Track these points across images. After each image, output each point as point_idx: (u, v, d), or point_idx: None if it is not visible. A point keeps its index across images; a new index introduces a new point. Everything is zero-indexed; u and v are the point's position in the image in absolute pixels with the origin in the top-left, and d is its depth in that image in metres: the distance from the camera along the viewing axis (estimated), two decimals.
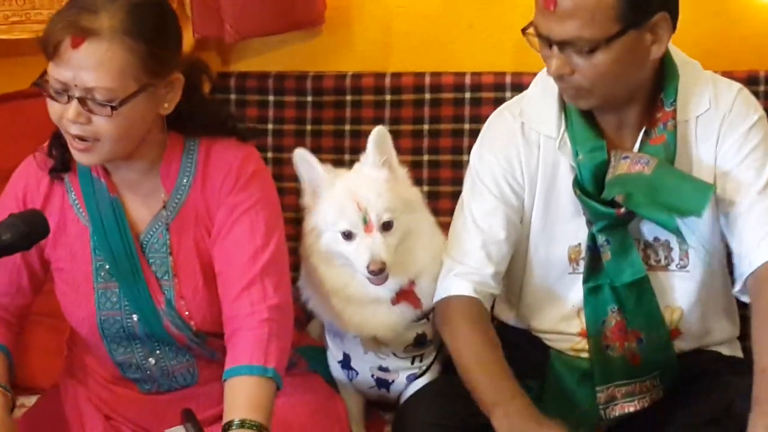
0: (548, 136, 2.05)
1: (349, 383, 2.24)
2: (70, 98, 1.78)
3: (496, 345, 2.01)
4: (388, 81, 2.62)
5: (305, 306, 2.23)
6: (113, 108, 1.77)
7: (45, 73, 1.81)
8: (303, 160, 2.12)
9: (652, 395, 2.07)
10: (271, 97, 2.70)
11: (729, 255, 2.07)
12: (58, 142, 1.94)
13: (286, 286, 1.95)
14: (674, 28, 1.92)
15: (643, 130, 1.99)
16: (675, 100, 1.98)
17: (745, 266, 1.95)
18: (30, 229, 1.70)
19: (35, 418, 2.11)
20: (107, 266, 1.96)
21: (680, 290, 2.07)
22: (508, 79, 2.56)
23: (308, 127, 2.68)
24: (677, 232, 1.95)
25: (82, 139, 1.81)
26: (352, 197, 2.06)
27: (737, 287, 2.00)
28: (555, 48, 1.89)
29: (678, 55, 2.03)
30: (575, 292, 2.10)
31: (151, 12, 1.83)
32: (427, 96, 2.61)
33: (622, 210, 1.95)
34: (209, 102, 2.04)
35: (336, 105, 2.66)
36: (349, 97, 2.65)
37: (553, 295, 2.13)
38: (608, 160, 1.99)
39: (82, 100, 1.77)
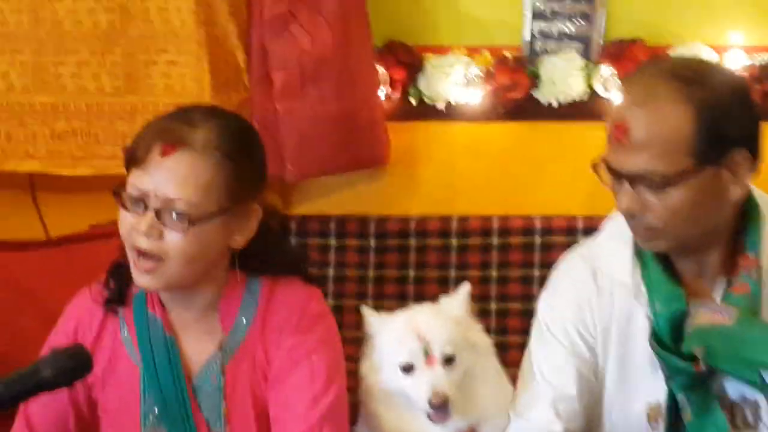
0: (622, 283, 1.98)
1: None
2: (146, 209, 1.79)
3: None
4: (454, 225, 2.63)
5: None
6: (191, 223, 1.77)
7: (124, 183, 1.82)
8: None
9: None
10: (333, 241, 2.71)
11: None
12: (117, 272, 1.93)
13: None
14: (756, 167, 1.87)
15: (725, 279, 1.92)
16: (758, 245, 1.91)
17: None
18: (74, 365, 1.68)
19: None
20: (156, 410, 1.91)
21: None
22: (580, 224, 2.56)
23: (371, 273, 2.68)
24: (764, 389, 1.88)
25: (148, 257, 1.81)
26: (413, 328, 2.03)
27: None
28: (626, 183, 1.85)
29: (762, 196, 1.97)
30: None
31: (244, 135, 1.87)
32: (495, 241, 2.61)
33: (702, 366, 1.86)
34: (285, 242, 2.08)
35: (400, 249, 2.67)
36: (413, 241, 2.66)
37: None
38: (687, 310, 1.91)
39: (158, 213, 1.77)
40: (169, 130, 1.79)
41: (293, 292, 1.95)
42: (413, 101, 2.67)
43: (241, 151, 1.83)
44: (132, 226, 1.80)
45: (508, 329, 2.58)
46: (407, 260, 2.66)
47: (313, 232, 2.73)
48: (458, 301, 2.10)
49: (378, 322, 2.10)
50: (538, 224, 2.59)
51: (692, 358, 1.88)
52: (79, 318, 1.97)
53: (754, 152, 1.85)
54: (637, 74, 1.90)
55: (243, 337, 1.92)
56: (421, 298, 2.27)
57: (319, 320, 1.93)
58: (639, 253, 1.97)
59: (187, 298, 1.91)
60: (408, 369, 2.01)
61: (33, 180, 2.81)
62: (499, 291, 2.60)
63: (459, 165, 2.71)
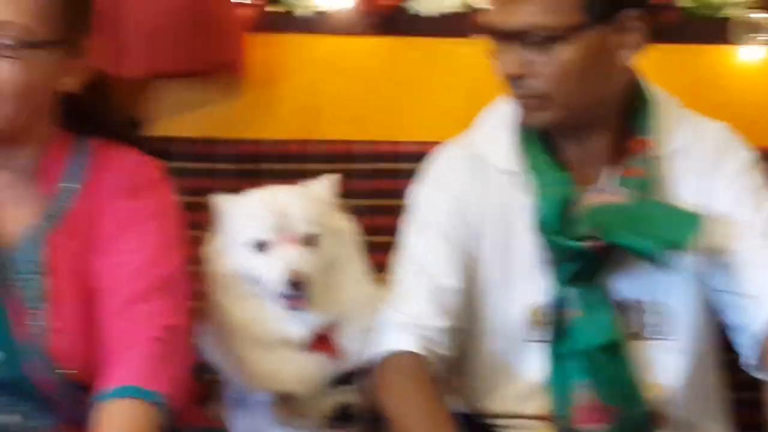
0: (504, 170, 1.93)
1: None
2: None
3: (448, 411, 1.81)
4: (314, 150, 2.51)
5: (205, 376, 2.02)
6: (21, 47, 1.65)
7: None
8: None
9: None
10: (172, 164, 2.40)
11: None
12: None
13: (185, 312, 1.77)
14: (646, 34, 1.86)
15: (613, 163, 1.90)
16: (648, 128, 1.90)
17: (754, 319, 1.81)
18: None
19: None
20: None
21: (661, 363, 1.91)
22: None
23: None
24: (665, 265, 1.81)
25: None
26: (269, 203, 1.91)
27: (747, 355, 1.85)
28: (510, 43, 1.81)
29: (654, 88, 1.97)
30: (535, 364, 1.92)
31: None
32: (360, 166, 2.48)
33: (597, 243, 1.82)
34: (113, 101, 1.93)
35: (251, 174, 2.46)
36: (265, 167, 2.50)
37: (507, 370, 1.95)
38: (575, 195, 1.88)
39: None
40: None
41: (127, 157, 1.85)
42: (275, 9, 2.53)
43: None
44: None
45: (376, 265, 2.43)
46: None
47: (155, 154, 2.47)
48: (324, 186, 1.98)
49: (227, 201, 1.96)
50: (406, 149, 2.46)
51: (584, 241, 1.84)
52: None
53: (645, 17, 1.85)
54: None
55: (68, 204, 1.79)
56: None
57: (157, 187, 1.84)
58: (522, 140, 1.94)
59: (3, 155, 1.76)
60: (262, 246, 1.89)
61: None
62: (365, 223, 2.39)
63: (322, 84, 2.58)
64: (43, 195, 1.78)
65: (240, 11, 2.49)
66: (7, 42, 1.66)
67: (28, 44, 1.66)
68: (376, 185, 2.48)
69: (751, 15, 2.44)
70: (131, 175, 1.82)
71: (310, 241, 1.88)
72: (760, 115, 2.47)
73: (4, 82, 1.66)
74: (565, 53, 1.79)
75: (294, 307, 1.86)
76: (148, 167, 1.86)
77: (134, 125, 1.92)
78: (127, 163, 1.83)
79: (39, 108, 1.75)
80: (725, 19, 2.46)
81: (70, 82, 1.76)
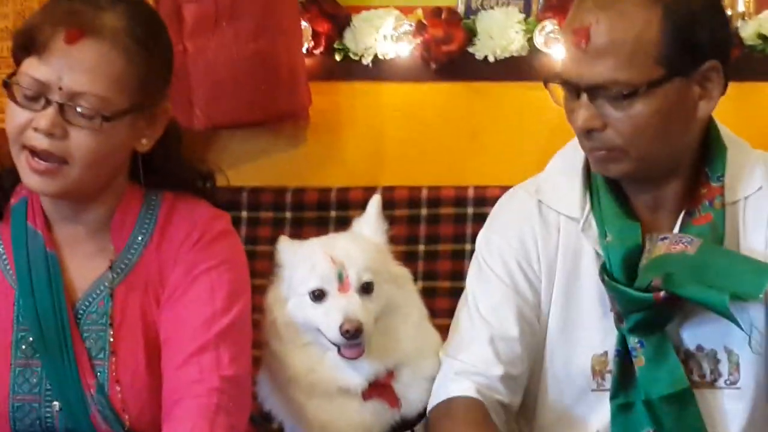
0: (570, 217, 1.90)
1: None
2: (47, 104, 1.65)
3: None
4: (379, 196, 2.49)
5: (266, 425, 2.02)
6: (105, 120, 1.65)
7: (14, 73, 1.69)
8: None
9: None
10: (244, 214, 2.57)
11: None
12: None
13: (246, 361, 1.78)
14: (725, 86, 1.81)
15: (684, 211, 1.85)
16: (723, 175, 1.85)
17: None
18: None
19: None
20: (31, 338, 1.75)
21: (730, 411, 1.86)
22: None
23: None
24: (731, 317, 1.76)
25: (47, 158, 1.66)
26: (327, 252, 1.89)
27: None
28: (584, 96, 1.77)
29: (724, 130, 1.92)
30: (599, 413, 1.88)
31: (153, 21, 1.77)
32: (424, 212, 2.50)
33: (662, 294, 1.77)
34: (186, 155, 1.91)
35: (318, 223, 2.52)
36: (333, 214, 2.53)
37: (571, 419, 1.91)
38: (643, 244, 1.84)
39: (62, 108, 1.64)
40: (74, 13, 1.67)
41: (197, 210, 1.84)
42: (338, 57, 2.58)
43: (152, 38, 1.74)
44: (24, 125, 1.67)
45: (436, 312, 2.41)
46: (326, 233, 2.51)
47: (224, 205, 2.55)
48: (372, 219, 1.98)
49: (289, 248, 1.97)
50: (470, 194, 2.48)
51: (649, 291, 1.80)
52: None
53: (725, 65, 1.80)
54: None
55: (137, 257, 1.80)
56: None
57: (223, 238, 1.83)
58: (590, 187, 1.91)
59: (78, 210, 1.78)
60: (319, 296, 1.88)
61: None
62: (426, 267, 2.47)
63: (386, 130, 2.62)
64: (114, 247, 1.79)
65: (303, 60, 2.52)
66: (85, 113, 1.65)
67: (105, 115, 1.66)
68: (442, 231, 2.48)
69: None
70: (200, 228, 1.81)
71: (366, 288, 1.87)
72: None
73: (81, 151, 1.67)
74: (643, 108, 1.75)
75: (350, 357, 1.85)
76: (217, 219, 1.84)
77: (204, 177, 1.90)
78: (196, 216, 1.82)
79: (114, 170, 1.76)
80: None
81: (147, 144, 1.77)
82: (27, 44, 1.68)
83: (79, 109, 1.65)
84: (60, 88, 1.65)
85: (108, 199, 1.78)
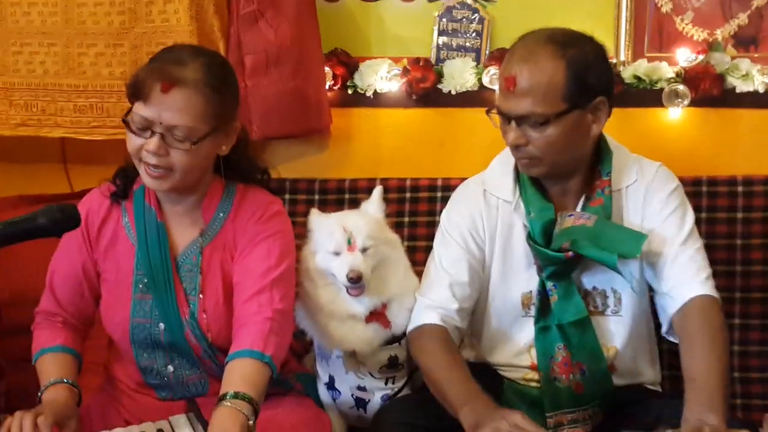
0: (505, 200, 1.92)
1: (334, 404, 2.01)
2: (152, 134, 1.66)
3: (461, 360, 1.82)
4: (377, 184, 2.40)
5: (302, 338, 2.03)
6: (193, 143, 1.67)
7: (130, 111, 1.70)
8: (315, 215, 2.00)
9: (594, 421, 1.87)
10: (287, 196, 2.53)
11: (653, 307, 1.91)
12: (122, 174, 1.82)
13: (291, 299, 1.79)
14: (610, 113, 1.83)
15: (584, 196, 1.87)
16: (610, 171, 1.86)
17: (671, 306, 1.79)
18: (62, 217, 1.51)
19: None
20: (146, 280, 1.79)
21: (615, 331, 1.89)
22: None
23: None
24: (617, 270, 1.79)
25: (157, 168, 1.69)
26: (342, 223, 1.92)
27: (664, 328, 1.84)
28: (513, 123, 1.79)
29: (611, 139, 1.94)
30: (527, 332, 1.91)
31: (224, 69, 1.77)
32: (408, 196, 2.48)
33: (570, 253, 1.80)
34: (251, 155, 1.92)
35: (337, 203, 2.51)
36: (347, 196, 2.52)
37: (508, 335, 1.94)
38: (555, 219, 1.86)
39: (163, 136, 1.66)
40: (166, 71, 1.66)
41: (260, 196, 1.85)
42: (350, 91, 2.56)
43: (223, 82, 1.73)
44: (139, 147, 1.68)
45: (416, 262, 2.37)
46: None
47: (274, 190, 2.49)
48: (376, 202, 1.99)
49: (317, 219, 1.98)
50: (439, 183, 2.47)
51: (560, 252, 1.81)
52: (89, 206, 1.84)
53: (610, 100, 1.80)
54: (520, 40, 1.82)
55: (219, 228, 1.81)
56: None
57: (277, 216, 1.83)
58: (519, 178, 1.91)
59: (179, 197, 1.80)
60: (335, 253, 1.89)
61: (64, 145, 2.63)
62: (409, 233, 2.46)
63: (382, 140, 2.60)
64: (203, 220, 1.81)
65: (326, 93, 2.51)
66: (179, 138, 1.67)
67: (193, 141, 1.68)
68: (420, 208, 2.47)
69: (677, 87, 2.41)
70: (261, 208, 1.82)
71: (366, 249, 1.89)
72: (684, 154, 2.44)
73: (179, 164, 1.69)
74: (553, 131, 1.75)
75: (354, 295, 1.88)
76: (273, 203, 1.86)
77: (263, 172, 1.92)
78: (259, 200, 1.83)
79: (205, 171, 1.78)
80: (660, 90, 2.42)
81: (226, 149, 1.78)
82: (136, 93, 1.69)
83: (175, 136, 1.66)
84: (160, 123, 1.65)
85: (200, 189, 1.80)
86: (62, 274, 1.82)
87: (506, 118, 1.80)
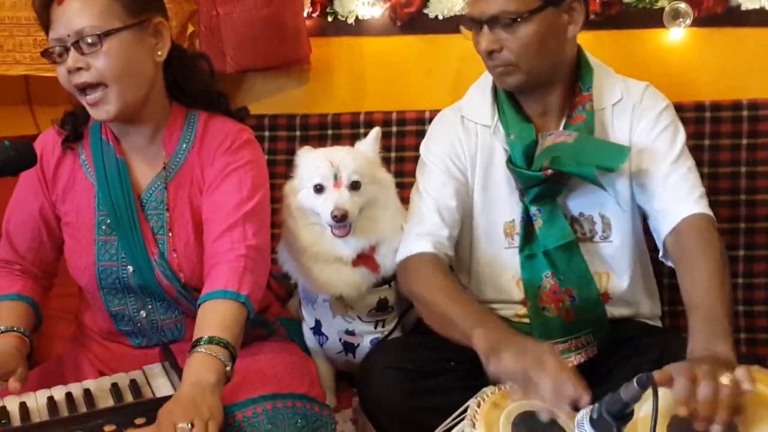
0: (484, 125, 1.85)
1: (320, 349, 1.94)
2: (67, 51, 1.56)
3: (460, 284, 1.76)
4: (362, 118, 2.40)
5: (286, 281, 1.96)
6: (101, 39, 1.55)
7: (49, 48, 1.60)
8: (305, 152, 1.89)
9: (587, 351, 1.80)
10: (266, 133, 2.45)
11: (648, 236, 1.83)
12: (69, 118, 1.72)
13: (265, 234, 1.69)
14: (586, 14, 1.76)
15: (565, 116, 1.80)
16: (591, 87, 1.79)
17: (663, 226, 1.72)
18: (17, 155, 1.42)
19: (38, 374, 1.79)
20: (109, 221, 1.70)
21: (607, 257, 1.83)
22: None
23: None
24: (599, 184, 1.71)
25: (89, 88, 1.58)
26: (328, 158, 1.82)
27: (660, 252, 1.76)
28: (485, 28, 1.72)
29: (593, 58, 1.85)
30: (513, 264, 1.84)
31: None
32: (394, 129, 2.39)
33: (549, 171, 1.72)
34: (205, 79, 1.78)
35: (319, 139, 2.42)
36: (330, 132, 2.42)
37: (495, 269, 1.87)
38: (536, 141, 1.78)
39: (76, 46, 1.55)
40: None
41: (226, 124, 1.74)
42: (330, 19, 2.45)
43: None
44: (66, 72, 1.57)
45: (404, 200, 2.34)
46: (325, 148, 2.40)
47: (251, 127, 2.43)
48: (370, 143, 1.88)
49: (304, 154, 1.88)
50: (427, 116, 2.37)
51: (541, 171, 1.74)
52: (44, 146, 1.75)
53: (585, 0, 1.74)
54: None
55: (183, 159, 1.71)
56: None
57: (247, 145, 1.72)
58: (496, 102, 1.85)
59: (134, 127, 1.69)
60: (319, 189, 1.80)
61: (28, 84, 2.51)
62: (397, 168, 2.36)
63: (365, 72, 2.49)
64: (165, 153, 1.71)
65: (304, 21, 2.41)
66: (90, 41, 1.55)
67: (102, 36, 1.55)
68: (407, 142, 2.38)
69: (679, 5, 2.30)
70: (231, 137, 1.72)
71: (354, 186, 1.79)
72: (686, 78, 2.35)
73: (106, 69, 1.57)
74: (527, 30, 1.70)
75: (338, 235, 1.78)
76: (243, 131, 1.75)
77: (222, 97, 1.79)
78: (227, 128, 1.73)
79: (145, 80, 1.64)
80: (660, 9, 2.31)
81: (161, 54, 1.65)
82: (42, 20, 1.59)
83: (87, 42, 1.55)
84: (68, 35, 1.55)
85: (155, 116, 1.69)
86: (18, 220, 1.74)
87: (478, 23, 1.74)
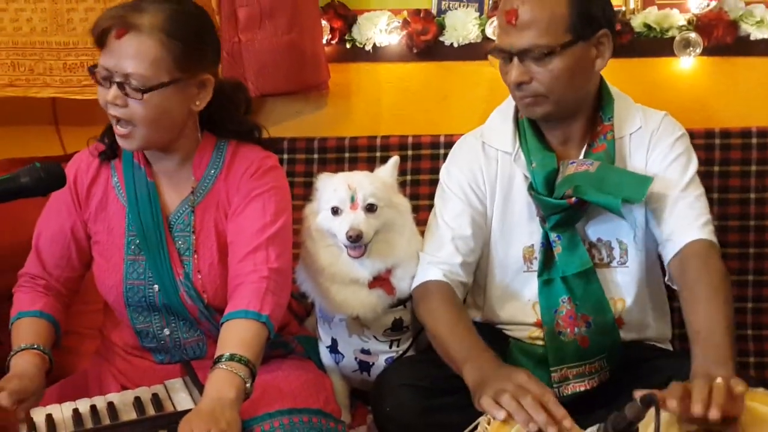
0: (505, 151, 1.90)
1: (336, 367, 2.00)
2: (111, 84, 1.63)
3: (466, 317, 1.81)
4: (378, 143, 2.47)
5: (304, 300, 2.02)
6: (143, 92, 1.62)
7: (97, 65, 1.67)
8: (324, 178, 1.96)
9: (600, 376, 1.86)
10: (285, 156, 2.52)
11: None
12: (110, 132, 1.78)
13: (287, 257, 1.76)
14: (613, 48, 1.81)
15: (586, 144, 1.85)
16: (612, 117, 1.85)
17: (668, 251, 1.78)
18: (46, 176, 1.49)
19: (64, 387, 1.87)
20: (138, 241, 1.77)
21: (622, 284, 1.88)
22: None
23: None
24: (621, 215, 1.77)
25: (120, 121, 1.65)
26: (346, 181, 1.89)
27: (666, 276, 1.82)
28: (515, 59, 1.77)
29: (612, 87, 1.91)
30: (530, 287, 1.90)
31: (189, 19, 1.70)
32: (410, 153, 2.45)
33: (573, 199, 1.78)
34: (242, 114, 1.86)
35: (337, 162, 2.49)
36: (347, 155, 2.49)
37: (511, 292, 1.93)
38: (557, 169, 1.84)
39: (120, 85, 1.62)
40: (122, 16, 1.63)
41: (253, 152, 1.81)
42: (348, 46, 2.52)
43: (187, 30, 1.66)
44: (104, 99, 1.64)
45: (419, 222, 2.37)
46: (342, 171, 2.46)
47: (271, 150, 2.46)
48: (388, 169, 1.95)
49: (323, 178, 1.95)
50: (442, 140, 2.43)
51: (563, 199, 1.79)
52: (78, 167, 1.82)
53: (613, 34, 1.79)
54: None
55: (211, 185, 1.78)
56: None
57: (272, 171, 1.79)
58: (518, 128, 1.89)
59: (165, 154, 1.76)
60: (336, 211, 1.87)
61: (55, 106, 2.60)
62: (412, 191, 2.43)
63: (382, 97, 2.56)
64: (194, 178, 1.78)
65: (323, 48, 2.48)
66: (134, 88, 1.62)
67: (147, 88, 1.62)
68: (422, 166, 2.44)
69: (689, 35, 2.37)
70: (256, 164, 1.77)
71: (370, 209, 1.85)
72: (696, 105, 2.42)
73: (138, 115, 1.64)
74: (558, 64, 1.74)
75: (353, 256, 1.84)
76: (268, 158, 1.81)
77: (256, 129, 1.88)
78: (252, 156, 1.79)
79: (177, 125, 1.71)
80: (671, 38, 2.39)
81: (200, 105, 1.72)
82: (97, 40, 1.66)
83: (131, 85, 1.61)
84: (116, 71, 1.62)
85: (185, 145, 1.76)
86: (49, 236, 1.80)
87: (507, 55, 1.78)
